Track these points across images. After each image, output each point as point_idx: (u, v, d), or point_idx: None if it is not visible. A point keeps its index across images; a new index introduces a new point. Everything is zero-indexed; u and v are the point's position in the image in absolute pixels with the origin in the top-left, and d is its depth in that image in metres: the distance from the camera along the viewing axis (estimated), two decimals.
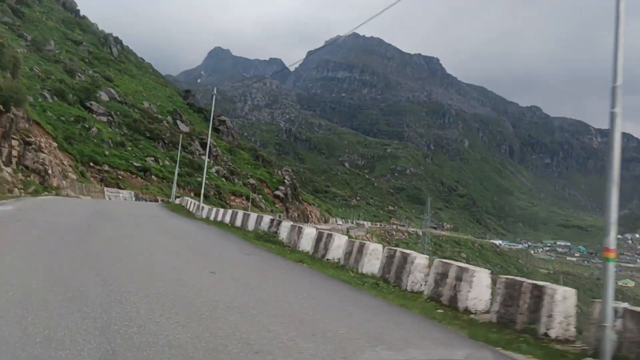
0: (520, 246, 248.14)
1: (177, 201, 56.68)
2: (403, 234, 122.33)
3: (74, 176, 53.29)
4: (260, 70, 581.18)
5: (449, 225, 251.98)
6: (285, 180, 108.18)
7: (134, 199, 61.57)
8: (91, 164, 65.22)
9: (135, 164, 72.46)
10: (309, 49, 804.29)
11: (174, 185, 65.69)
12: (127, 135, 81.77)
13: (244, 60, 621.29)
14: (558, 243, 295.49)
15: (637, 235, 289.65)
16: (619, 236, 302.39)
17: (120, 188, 63.60)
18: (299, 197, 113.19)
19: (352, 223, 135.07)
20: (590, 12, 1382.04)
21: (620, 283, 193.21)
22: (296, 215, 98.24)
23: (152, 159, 79.50)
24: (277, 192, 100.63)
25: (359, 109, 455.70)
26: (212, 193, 73.85)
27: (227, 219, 29.97)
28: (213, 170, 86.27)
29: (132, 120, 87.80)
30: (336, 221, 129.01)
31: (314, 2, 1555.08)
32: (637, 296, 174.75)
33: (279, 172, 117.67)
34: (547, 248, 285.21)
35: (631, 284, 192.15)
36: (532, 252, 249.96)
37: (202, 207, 37.76)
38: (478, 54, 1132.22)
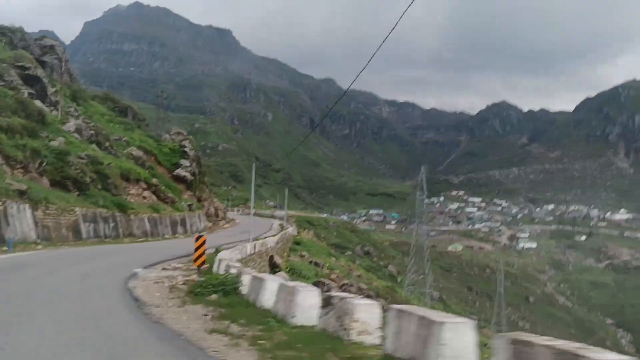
0: (344, 217, 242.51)
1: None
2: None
3: None
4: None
5: (272, 203, 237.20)
6: (186, 151, 68.54)
7: None
8: None
9: None
10: (86, 20, 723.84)
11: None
12: None
13: None
14: (371, 212, 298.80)
15: (442, 199, 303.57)
16: (427, 200, 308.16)
17: None
18: (205, 180, 76.83)
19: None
20: None
21: (450, 248, 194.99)
22: (213, 211, 67.44)
23: None
24: (179, 172, 64.28)
25: (152, 84, 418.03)
26: (90, 178, 38.97)
27: None
28: (70, 127, 47.25)
29: None
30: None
31: None
32: (472, 261, 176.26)
33: (169, 136, 74.58)
34: (364, 218, 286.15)
35: (460, 247, 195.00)
36: (354, 222, 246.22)
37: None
38: (268, 25, 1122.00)
